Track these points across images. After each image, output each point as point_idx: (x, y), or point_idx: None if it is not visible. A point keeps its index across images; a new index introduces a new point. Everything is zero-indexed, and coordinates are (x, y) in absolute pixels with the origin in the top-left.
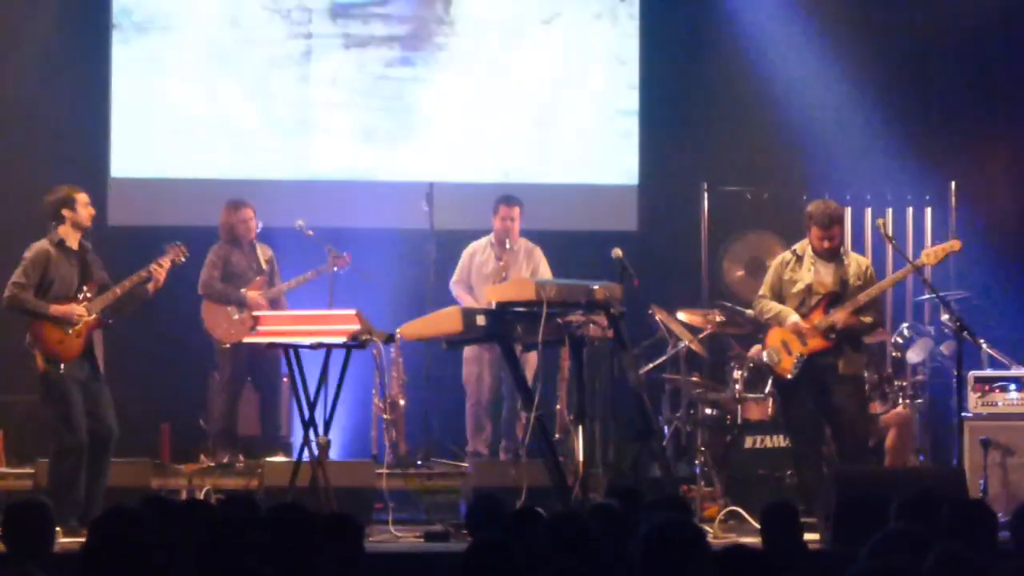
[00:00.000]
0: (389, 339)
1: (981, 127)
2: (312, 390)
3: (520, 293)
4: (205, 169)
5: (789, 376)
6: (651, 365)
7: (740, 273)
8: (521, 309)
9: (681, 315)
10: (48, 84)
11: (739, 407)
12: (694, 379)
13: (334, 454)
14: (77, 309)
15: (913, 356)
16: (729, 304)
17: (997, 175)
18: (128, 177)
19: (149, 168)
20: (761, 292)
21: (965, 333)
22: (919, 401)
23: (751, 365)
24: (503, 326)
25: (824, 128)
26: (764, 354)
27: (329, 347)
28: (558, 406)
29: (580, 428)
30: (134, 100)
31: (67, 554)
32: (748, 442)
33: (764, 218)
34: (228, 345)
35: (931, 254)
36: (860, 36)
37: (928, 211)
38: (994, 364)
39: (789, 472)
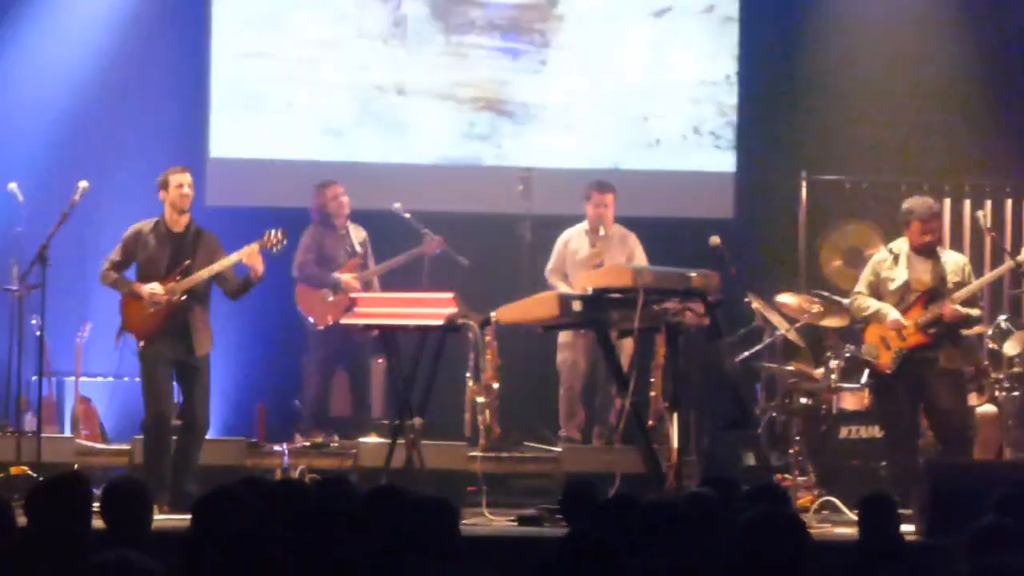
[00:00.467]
0: (485, 323)
1: None
2: (407, 372)
3: (617, 279)
4: (303, 151)
5: (888, 371)
6: (747, 353)
7: (838, 263)
8: (617, 295)
9: (782, 297)
10: (147, 64)
11: (835, 397)
12: (790, 368)
13: (428, 436)
14: (155, 288)
15: (1010, 349)
16: (827, 293)
17: None
18: (226, 157)
19: (248, 149)
20: (858, 289)
21: None
22: (1015, 394)
23: (847, 355)
24: (599, 312)
25: (923, 117)
26: (863, 349)
27: (426, 329)
28: (652, 393)
29: (675, 416)
30: (233, 80)
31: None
32: (843, 432)
33: (862, 208)
34: (321, 327)
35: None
36: (962, 20)
37: (1008, 203)
38: None
39: (883, 463)
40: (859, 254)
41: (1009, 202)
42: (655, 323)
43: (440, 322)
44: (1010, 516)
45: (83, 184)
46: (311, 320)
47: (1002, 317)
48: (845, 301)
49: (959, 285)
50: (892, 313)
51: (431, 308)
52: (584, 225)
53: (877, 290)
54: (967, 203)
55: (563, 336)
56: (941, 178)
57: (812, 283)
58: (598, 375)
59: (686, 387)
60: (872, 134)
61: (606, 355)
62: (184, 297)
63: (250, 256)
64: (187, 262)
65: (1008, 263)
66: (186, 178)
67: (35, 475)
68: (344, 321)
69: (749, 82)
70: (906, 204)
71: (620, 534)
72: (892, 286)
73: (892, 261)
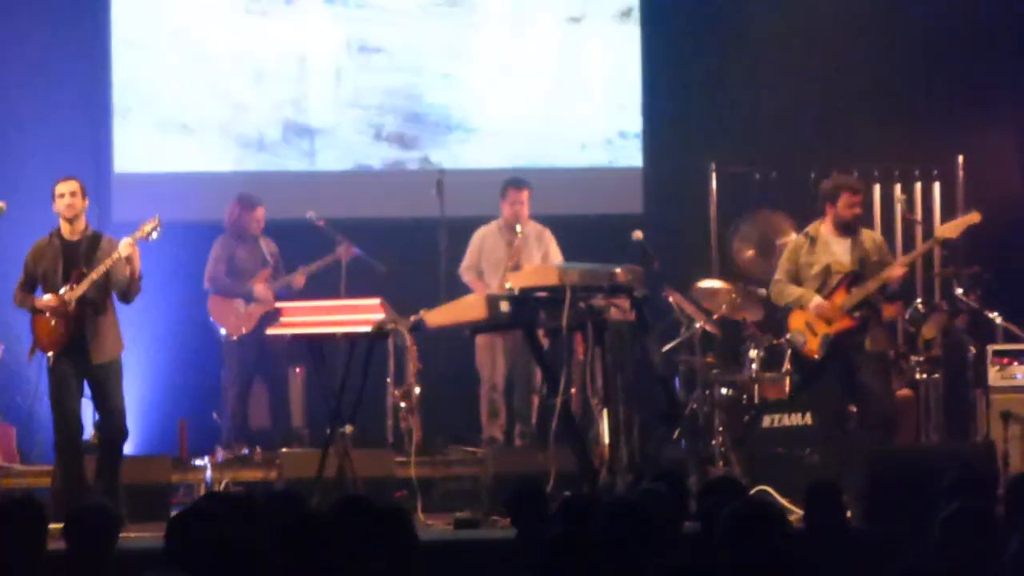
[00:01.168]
0: (414, 328)
1: (989, 100)
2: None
3: (543, 278)
4: (209, 163)
5: (816, 356)
6: (666, 347)
7: (751, 253)
8: (544, 294)
9: (704, 283)
10: (49, 81)
11: (756, 387)
12: (709, 360)
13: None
14: (48, 300)
15: (927, 332)
16: (742, 284)
17: (1005, 149)
18: (131, 172)
19: (152, 163)
20: (776, 277)
21: (980, 307)
22: (935, 376)
23: (767, 344)
24: (527, 312)
25: (828, 104)
26: (788, 336)
27: (355, 336)
28: (572, 390)
29: (605, 412)
30: (134, 94)
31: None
32: (766, 421)
33: (772, 197)
34: (235, 337)
35: (951, 227)
36: (864, 9)
37: (936, 186)
38: (1009, 338)
39: (808, 450)
40: (771, 243)
41: (918, 185)
42: (581, 320)
43: (369, 328)
44: (967, 499)
45: (0, 204)
46: (225, 331)
47: (918, 300)
48: (761, 291)
49: (880, 264)
50: (815, 298)
51: (358, 315)
52: (499, 222)
53: (797, 276)
54: (876, 187)
55: (480, 337)
56: (847, 164)
57: (725, 274)
58: (516, 374)
59: (615, 383)
60: (777, 123)
61: (535, 354)
62: (77, 305)
63: (125, 250)
64: (82, 269)
65: (931, 241)
66: (68, 186)
67: None
68: (271, 331)
69: (654, 76)
70: (830, 181)
71: (582, 534)
72: (812, 271)
73: (810, 246)
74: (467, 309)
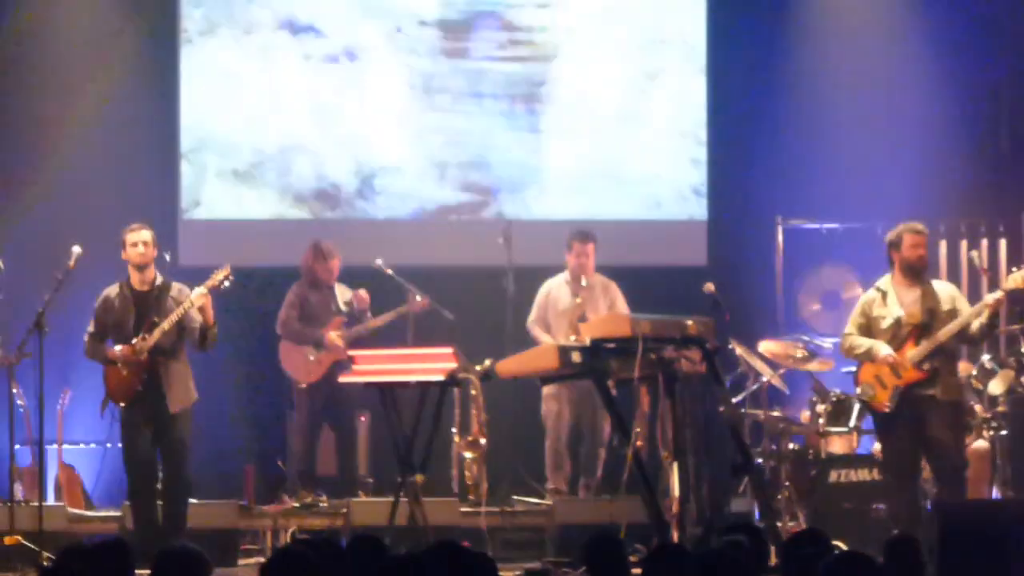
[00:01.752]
0: (487, 376)
1: None
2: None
3: (614, 329)
4: (276, 209)
5: (887, 409)
6: (734, 400)
7: (816, 307)
8: (615, 345)
9: (764, 345)
10: (118, 125)
11: (822, 441)
12: (775, 414)
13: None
14: (127, 349)
15: (995, 388)
16: (807, 337)
17: None
18: (199, 219)
19: (219, 209)
20: (847, 330)
21: None
22: (1003, 433)
23: (834, 399)
24: (598, 362)
25: (894, 157)
26: (858, 390)
27: (427, 385)
28: (638, 442)
29: (676, 464)
30: (202, 140)
31: None
32: (832, 476)
33: (837, 251)
34: (304, 385)
35: (1019, 278)
36: (931, 62)
37: (1003, 242)
38: None
39: (875, 505)
40: (836, 297)
41: (984, 242)
42: (652, 371)
43: (441, 377)
44: None
45: (77, 249)
46: (295, 378)
47: (986, 356)
48: (827, 344)
49: (951, 313)
50: (884, 349)
51: (431, 364)
52: (565, 275)
53: (868, 331)
54: (943, 244)
55: (547, 387)
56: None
57: (791, 328)
58: (583, 425)
59: (685, 435)
60: (843, 177)
61: (607, 405)
62: (149, 355)
63: (199, 300)
64: (154, 319)
65: (999, 294)
66: (141, 235)
67: (31, 544)
68: (343, 378)
69: (720, 130)
70: (894, 230)
71: None
72: (884, 324)
73: (881, 299)
74: (539, 358)
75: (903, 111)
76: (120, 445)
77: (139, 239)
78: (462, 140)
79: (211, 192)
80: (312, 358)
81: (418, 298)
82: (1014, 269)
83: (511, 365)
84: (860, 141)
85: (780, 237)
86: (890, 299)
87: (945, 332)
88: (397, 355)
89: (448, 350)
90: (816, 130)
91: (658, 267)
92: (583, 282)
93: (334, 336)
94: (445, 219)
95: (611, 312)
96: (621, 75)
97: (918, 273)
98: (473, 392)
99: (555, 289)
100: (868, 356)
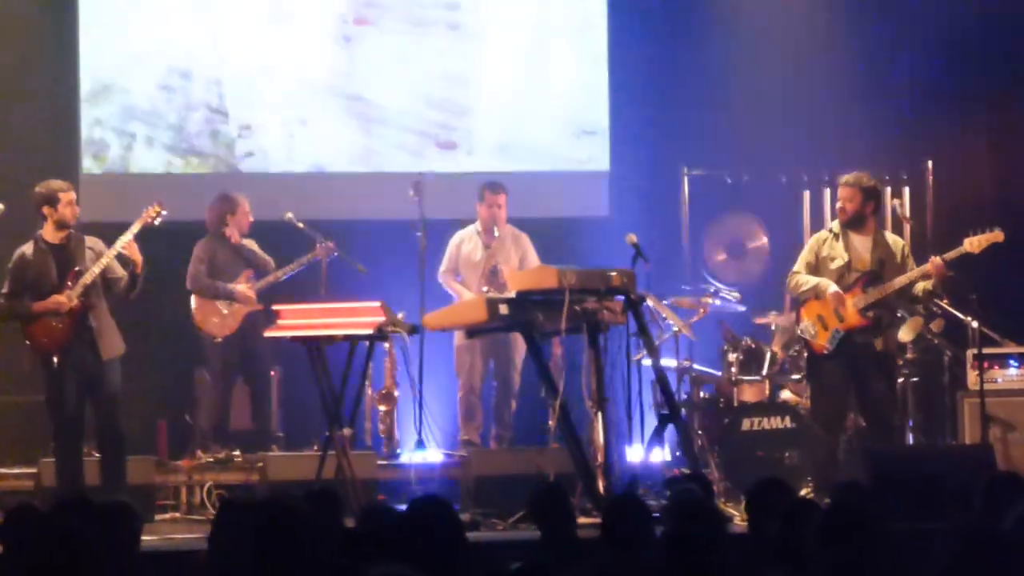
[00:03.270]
0: (413, 330)
1: (957, 104)
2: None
3: (541, 281)
4: (183, 163)
5: (825, 351)
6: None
7: (722, 256)
8: (541, 297)
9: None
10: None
11: (735, 390)
12: (686, 363)
13: None
14: (59, 299)
15: (904, 335)
16: (716, 284)
17: (974, 153)
18: (99, 172)
19: (124, 163)
20: (795, 268)
21: (957, 311)
22: (914, 379)
23: (745, 348)
24: (525, 314)
25: (798, 107)
26: (799, 328)
27: (357, 339)
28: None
29: (600, 414)
30: (103, 90)
31: None
32: (745, 424)
33: (743, 200)
34: (219, 339)
35: (975, 242)
36: (836, 14)
37: (906, 190)
38: (984, 342)
39: (787, 453)
40: (742, 247)
41: (888, 190)
42: (577, 323)
43: (370, 331)
44: (999, 500)
45: None
46: (208, 332)
47: None
48: (733, 295)
49: (899, 267)
50: (832, 287)
51: (359, 317)
52: (476, 226)
53: (816, 270)
54: None
55: (459, 339)
56: (818, 168)
57: (697, 278)
58: (496, 377)
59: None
60: (747, 126)
61: (534, 357)
62: (80, 302)
63: (128, 245)
64: (76, 268)
65: (960, 250)
66: (72, 195)
67: None
68: (268, 333)
69: (622, 80)
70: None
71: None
72: (833, 264)
73: (833, 240)
74: (467, 311)
75: (808, 63)
76: (45, 398)
77: (72, 197)
78: (372, 90)
79: (111, 145)
80: (225, 312)
81: (326, 244)
82: (970, 232)
83: (439, 317)
84: (766, 90)
85: (686, 187)
86: (841, 242)
87: (897, 282)
88: (324, 309)
89: (376, 304)
90: (718, 77)
91: (560, 218)
92: (495, 233)
93: (244, 288)
94: (356, 173)
95: (519, 266)
96: (524, 29)
97: (849, 224)
98: (386, 345)
99: (466, 241)
100: (815, 293)
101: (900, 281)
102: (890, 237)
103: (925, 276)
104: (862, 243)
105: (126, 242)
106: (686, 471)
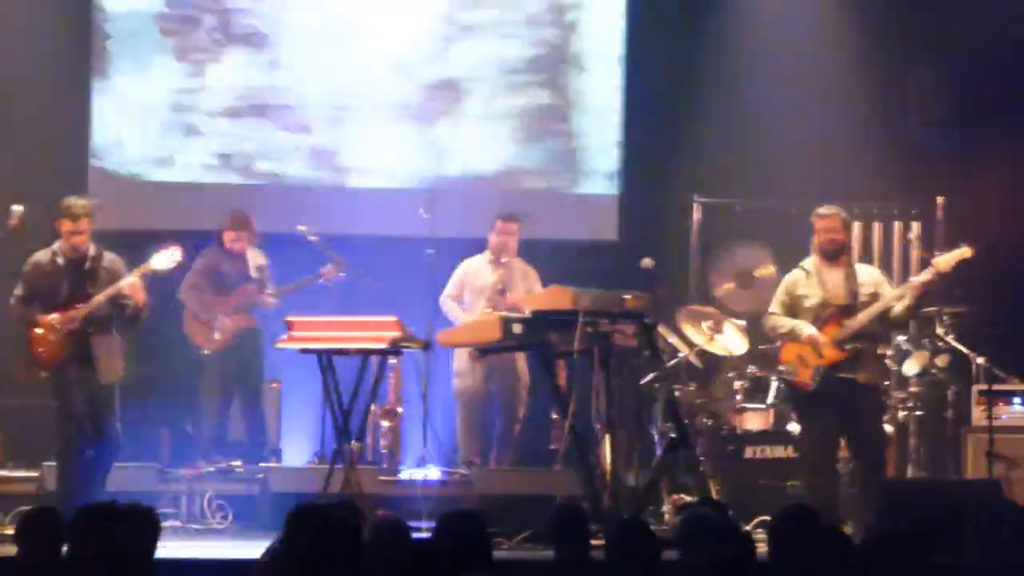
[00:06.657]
0: (426, 346)
1: (969, 141)
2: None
3: (556, 302)
4: (200, 173)
5: (809, 388)
6: (650, 376)
7: (729, 286)
8: (556, 318)
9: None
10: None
11: (739, 417)
12: (691, 389)
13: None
14: (53, 319)
15: (909, 369)
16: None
17: (985, 190)
18: (113, 177)
19: (138, 169)
20: (771, 309)
21: (963, 347)
22: (918, 413)
23: (751, 376)
24: (539, 334)
25: (811, 140)
26: (779, 369)
27: (369, 353)
28: (553, 415)
29: (608, 437)
30: (118, 99)
31: None
32: (748, 452)
33: (752, 230)
34: (207, 351)
35: (942, 261)
36: (850, 46)
37: (915, 225)
38: (990, 378)
39: (791, 483)
40: (750, 276)
41: (897, 224)
42: (588, 344)
43: (383, 345)
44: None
45: (18, 208)
46: (197, 344)
47: (901, 337)
48: (741, 323)
49: (874, 296)
50: (807, 328)
51: (373, 332)
52: (486, 255)
53: (792, 310)
54: (857, 225)
55: (459, 362)
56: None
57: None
58: (499, 402)
59: (619, 407)
60: (759, 156)
61: (545, 377)
62: (82, 324)
63: (131, 286)
64: (88, 290)
65: (931, 270)
66: (79, 226)
67: None
68: (278, 344)
69: (636, 106)
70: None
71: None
72: (808, 303)
73: (805, 279)
74: (481, 329)
75: (821, 94)
76: (54, 402)
77: (73, 227)
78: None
79: (126, 153)
80: (215, 337)
81: (330, 267)
82: (936, 253)
83: (452, 335)
84: (777, 122)
85: (695, 214)
86: (814, 279)
87: (866, 314)
88: (338, 322)
89: (391, 318)
90: (732, 107)
91: (568, 240)
92: (504, 259)
93: (228, 322)
94: (368, 187)
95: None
96: (541, 53)
97: (833, 256)
98: (392, 361)
99: (475, 267)
100: (791, 336)
101: (875, 309)
102: (862, 268)
103: (901, 296)
104: (835, 277)
105: (130, 284)
106: (687, 498)
